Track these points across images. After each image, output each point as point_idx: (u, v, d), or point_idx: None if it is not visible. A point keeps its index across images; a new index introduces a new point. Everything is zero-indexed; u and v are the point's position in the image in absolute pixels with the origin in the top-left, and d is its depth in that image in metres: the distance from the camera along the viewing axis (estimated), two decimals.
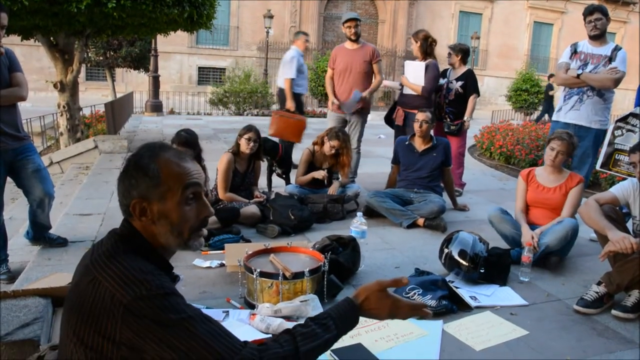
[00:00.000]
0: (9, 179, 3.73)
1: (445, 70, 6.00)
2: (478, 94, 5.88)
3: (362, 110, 5.72)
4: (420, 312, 1.54)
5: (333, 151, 5.00)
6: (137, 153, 1.44)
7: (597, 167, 4.65)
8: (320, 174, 4.98)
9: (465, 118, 5.81)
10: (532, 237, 3.60)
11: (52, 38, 7.95)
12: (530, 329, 2.80)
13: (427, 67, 5.58)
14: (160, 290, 1.26)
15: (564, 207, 3.83)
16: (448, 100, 5.82)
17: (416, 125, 4.93)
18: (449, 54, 5.93)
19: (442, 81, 5.87)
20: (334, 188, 4.99)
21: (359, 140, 5.80)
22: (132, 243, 1.39)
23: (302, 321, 2.70)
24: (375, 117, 16.19)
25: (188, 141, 4.13)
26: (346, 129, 5.67)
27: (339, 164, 5.12)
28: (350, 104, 5.57)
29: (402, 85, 5.80)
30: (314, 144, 5.18)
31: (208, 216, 1.49)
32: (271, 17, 21.89)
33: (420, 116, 4.92)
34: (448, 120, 5.83)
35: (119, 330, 1.22)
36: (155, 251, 1.43)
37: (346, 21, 5.59)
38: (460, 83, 5.78)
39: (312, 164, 5.15)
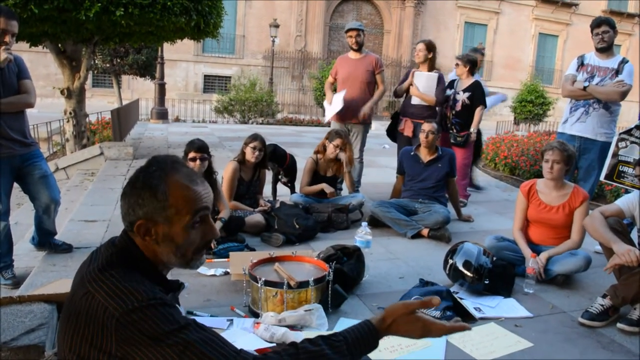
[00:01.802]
0: (15, 185, 3.75)
1: (453, 81, 6.01)
2: (485, 106, 5.88)
3: (364, 120, 5.72)
4: (457, 329, 1.46)
5: (338, 150, 5.00)
6: (147, 170, 1.40)
7: (601, 178, 4.63)
8: (329, 190, 4.98)
9: (471, 130, 5.80)
10: (538, 262, 3.54)
11: (60, 45, 8.01)
12: (534, 341, 2.79)
13: (439, 78, 5.66)
14: (151, 301, 1.24)
15: (573, 232, 3.69)
16: (455, 112, 5.82)
17: (422, 136, 4.93)
18: (457, 64, 5.92)
19: (449, 92, 5.88)
20: (334, 194, 5.05)
21: (361, 150, 5.80)
22: (129, 257, 1.37)
23: (306, 330, 2.71)
24: (380, 127, 16.23)
25: (201, 147, 4.13)
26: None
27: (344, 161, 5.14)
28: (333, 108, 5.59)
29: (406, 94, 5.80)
30: (316, 152, 5.19)
31: (213, 238, 1.48)
32: (277, 26, 21.99)
33: (427, 127, 4.92)
34: (454, 131, 5.83)
35: (114, 344, 1.21)
36: (152, 266, 1.41)
37: (348, 30, 5.61)
38: (467, 94, 5.77)
39: (316, 173, 5.16)
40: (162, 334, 1.21)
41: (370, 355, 2.48)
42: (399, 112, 5.95)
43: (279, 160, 5.33)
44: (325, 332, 2.74)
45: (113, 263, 1.33)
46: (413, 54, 5.98)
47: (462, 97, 5.79)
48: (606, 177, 4.56)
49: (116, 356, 1.21)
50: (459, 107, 5.81)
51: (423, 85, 5.68)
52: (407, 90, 5.81)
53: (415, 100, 5.74)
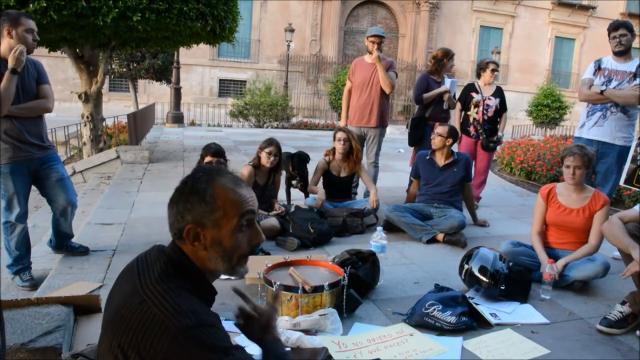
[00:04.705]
0: (33, 188, 3.80)
1: (472, 85, 5.99)
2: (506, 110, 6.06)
3: (380, 123, 5.71)
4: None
5: (344, 144, 5.09)
6: (194, 176, 1.44)
7: (620, 183, 4.58)
8: (319, 200, 4.93)
9: (500, 134, 5.92)
10: (554, 269, 3.48)
11: (78, 50, 8.11)
12: (551, 347, 2.76)
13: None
14: (209, 322, 1.30)
15: (591, 235, 3.64)
16: (487, 117, 5.85)
17: (432, 137, 4.98)
18: (494, 69, 5.94)
19: (477, 97, 5.86)
20: (374, 195, 5.05)
21: (377, 154, 5.80)
22: (182, 268, 1.40)
23: (321, 335, 2.71)
24: (395, 131, 16.18)
25: (218, 151, 4.17)
26: (365, 143, 5.69)
27: (353, 157, 5.19)
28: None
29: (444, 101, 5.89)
30: (326, 154, 5.28)
31: (260, 242, 1.49)
32: (292, 30, 22.08)
33: (440, 129, 4.93)
34: (485, 136, 5.86)
35: (161, 354, 1.23)
36: (201, 275, 1.44)
37: (372, 35, 5.57)
38: (498, 100, 5.87)
39: (328, 172, 5.22)
40: (217, 350, 1.26)
41: None
42: (427, 117, 5.91)
43: (300, 166, 5.36)
44: (337, 337, 2.73)
45: (169, 274, 1.37)
46: (428, 58, 6.02)
47: (495, 102, 5.85)
48: (625, 182, 4.50)
49: None
50: (491, 112, 5.85)
51: (453, 91, 5.88)
52: (437, 97, 5.84)
53: (445, 106, 5.87)
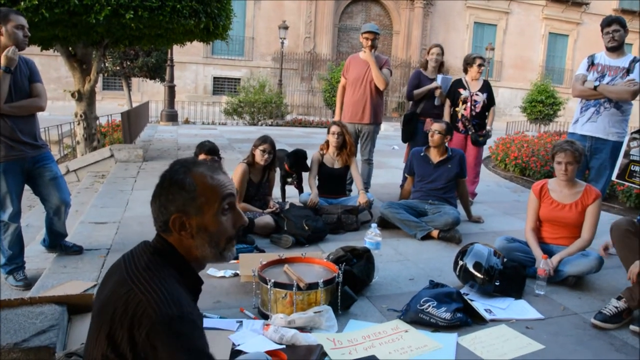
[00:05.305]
0: (26, 187, 3.78)
1: (459, 80, 6.00)
2: (494, 104, 6.07)
3: (375, 120, 5.72)
4: None
5: (338, 138, 5.15)
6: (171, 169, 1.47)
7: (613, 178, 4.59)
8: (311, 202, 4.94)
9: (488, 127, 5.93)
10: (549, 264, 3.48)
11: (70, 48, 8.06)
12: (546, 343, 2.77)
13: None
14: (191, 317, 1.30)
15: (584, 229, 3.66)
16: (475, 113, 5.85)
17: (430, 135, 4.96)
18: (481, 64, 5.96)
19: (464, 93, 5.87)
20: (363, 197, 5.01)
21: (371, 151, 5.81)
22: (168, 258, 1.43)
23: (316, 332, 2.71)
24: (389, 128, 16.18)
25: (212, 149, 4.20)
26: (359, 139, 5.70)
27: (346, 150, 5.24)
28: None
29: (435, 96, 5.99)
30: (321, 149, 5.31)
31: (243, 225, 1.53)
32: (286, 28, 22.02)
33: (437, 126, 4.93)
34: (474, 131, 5.87)
35: (141, 343, 1.24)
36: (189, 265, 1.47)
37: (366, 32, 5.60)
38: (485, 95, 5.88)
39: (322, 165, 5.25)
40: (191, 347, 1.26)
41: (380, 357, 2.49)
42: (419, 113, 6.00)
43: (298, 164, 5.36)
44: (332, 334, 2.74)
45: (157, 263, 1.40)
46: (422, 54, 6.08)
47: (482, 97, 5.87)
48: (618, 177, 4.51)
49: (138, 354, 1.25)
50: (479, 108, 5.87)
51: (445, 87, 5.95)
52: (429, 93, 5.96)
53: (437, 102, 5.95)
